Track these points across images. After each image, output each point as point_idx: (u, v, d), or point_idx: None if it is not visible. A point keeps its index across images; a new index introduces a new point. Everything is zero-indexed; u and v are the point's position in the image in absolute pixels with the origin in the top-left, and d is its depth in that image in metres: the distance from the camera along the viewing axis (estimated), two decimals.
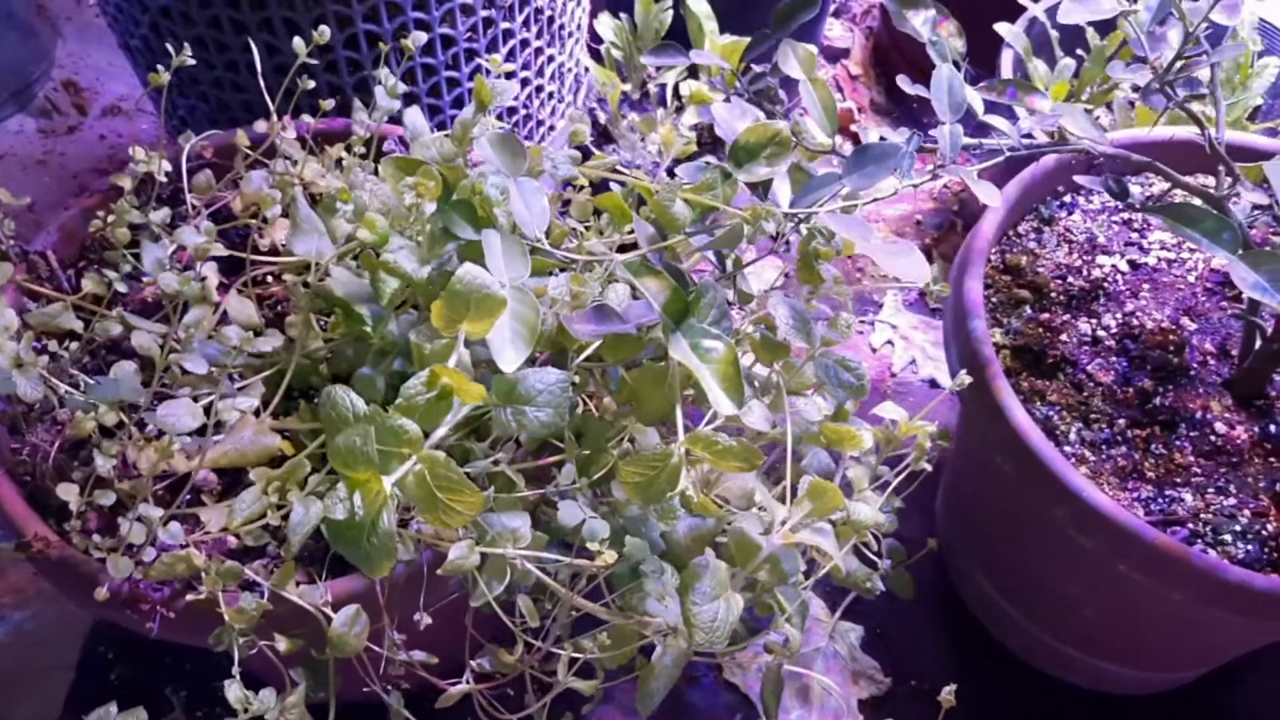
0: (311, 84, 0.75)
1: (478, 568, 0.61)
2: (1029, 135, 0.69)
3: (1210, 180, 0.91)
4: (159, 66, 0.76)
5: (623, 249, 0.67)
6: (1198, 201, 0.67)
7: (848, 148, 0.73)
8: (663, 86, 1.20)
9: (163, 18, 0.86)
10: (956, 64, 0.75)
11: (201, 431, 0.64)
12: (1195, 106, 0.94)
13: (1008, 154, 0.66)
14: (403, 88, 0.77)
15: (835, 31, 1.44)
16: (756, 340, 0.64)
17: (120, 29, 0.93)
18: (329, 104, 0.81)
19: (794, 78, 0.73)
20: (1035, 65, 1.09)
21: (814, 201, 0.64)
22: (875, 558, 0.78)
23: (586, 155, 1.17)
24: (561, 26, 1.02)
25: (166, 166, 0.74)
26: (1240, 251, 0.63)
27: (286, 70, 0.75)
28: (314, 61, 0.82)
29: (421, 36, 0.76)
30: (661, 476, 0.56)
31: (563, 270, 0.62)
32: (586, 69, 1.18)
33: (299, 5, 0.83)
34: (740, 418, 0.62)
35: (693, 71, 1.20)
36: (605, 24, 1.17)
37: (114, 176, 0.77)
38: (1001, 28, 1.07)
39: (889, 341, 1.19)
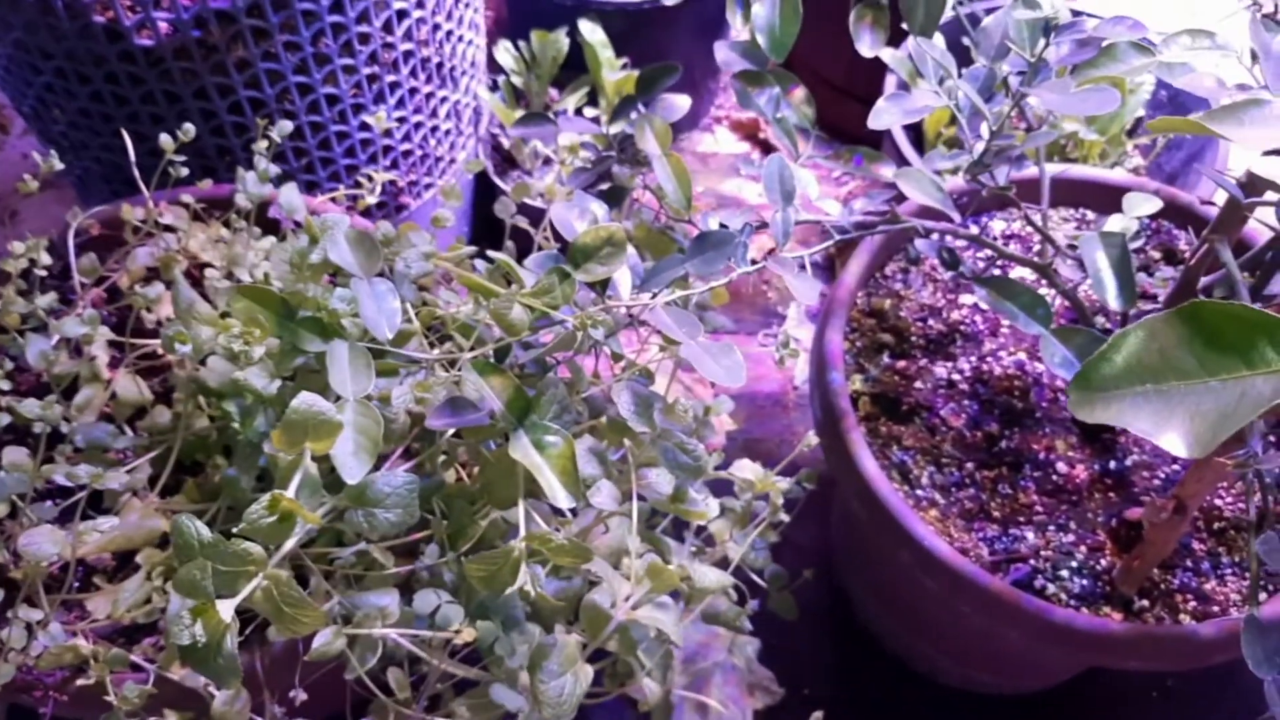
0: (185, 169, 0.78)
1: (350, 645, 0.65)
2: (869, 211, 0.72)
3: (1076, 211, 0.95)
4: (50, 152, 0.79)
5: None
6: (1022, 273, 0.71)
7: (756, 154, 0.75)
8: (564, 110, 1.22)
9: (48, 93, 0.88)
10: (805, 131, 0.78)
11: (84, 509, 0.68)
12: (1075, 126, 0.98)
13: (836, 237, 0.70)
14: (275, 170, 0.79)
15: None
16: (603, 423, 0.69)
17: (11, 95, 0.95)
18: (207, 183, 0.84)
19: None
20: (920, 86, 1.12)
21: (657, 286, 0.68)
22: (759, 580, 0.84)
23: (488, 181, 1.20)
24: (453, 69, 1.05)
25: (46, 259, 0.77)
26: (1051, 328, 0.67)
27: (174, 137, 0.77)
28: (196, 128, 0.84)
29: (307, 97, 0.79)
30: (504, 570, 0.60)
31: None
32: None
33: (178, 78, 0.85)
34: (589, 498, 0.66)
35: (592, 95, 1.23)
36: (504, 53, 1.19)
37: (1, 262, 0.80)
38: (885, 54, 1.09)
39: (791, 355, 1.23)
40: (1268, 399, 0.31)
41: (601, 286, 0.66)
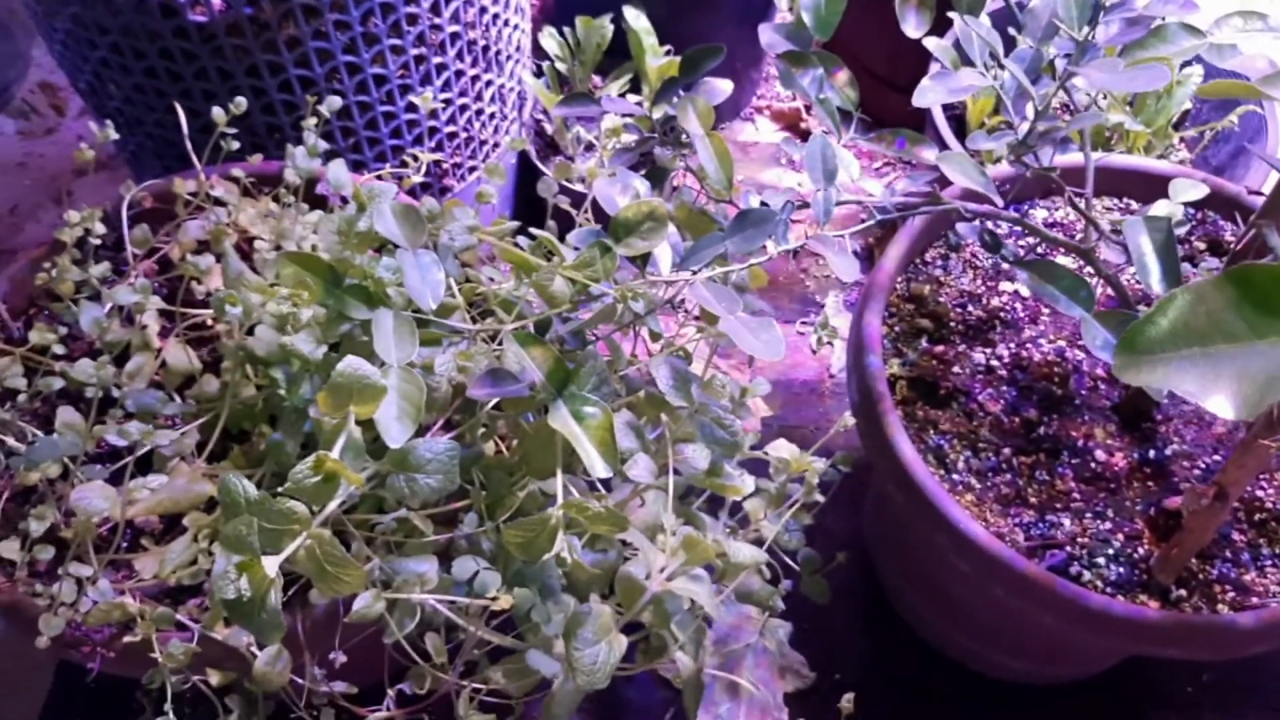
0: (236, 145, 0.79)
1: (388, 609, 0.66)
2: (911, 192, 0.72)
3: (1120, 200, 0.95)
4: (105, 122, 0.81)
5: None
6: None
7: (795, 148, 0.76)
8: (607, 97, 1.23)
9: (104, 68, 0.90)
10: (848, 114, 0.78)
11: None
12: (1120, 118, 0.97)
13: (878, 217, 0.70)
14: (323, 145, 0.81)
15: None
16: (641, 398, 0.69)
17: (68, 71, 0.98)
18: (257, 159, 0.86)
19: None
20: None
21: (697, 264, 0.69)
22: (791, 563, 0.84)
23: (531, 166, 1.21)
24: (499, 53, 1.06)
25: (100, 230, 0.79)
26: (1093, 310, 0.67)
27: (225, 113, 0.79)
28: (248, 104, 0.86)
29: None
30: (541, 538, 0.61)
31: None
32: None
33: (230, 55, 0.87)
34: (625, 471, 0.67)
35: (635, 82, 1.23)
36: (549, 39, 1.20)
37: (58, 231, 0.82)
38: (930, 40, 1.09)
39: (829, 342, 1.24)
40: None
41: (642, 261, 0.67)
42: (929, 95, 0.64)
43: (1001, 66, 0.67)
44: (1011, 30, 0.70)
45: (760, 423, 1.21)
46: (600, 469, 0.61)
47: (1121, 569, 0.76)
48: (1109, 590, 0.75)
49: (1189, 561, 0.75)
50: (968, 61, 0.67)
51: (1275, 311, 0.32)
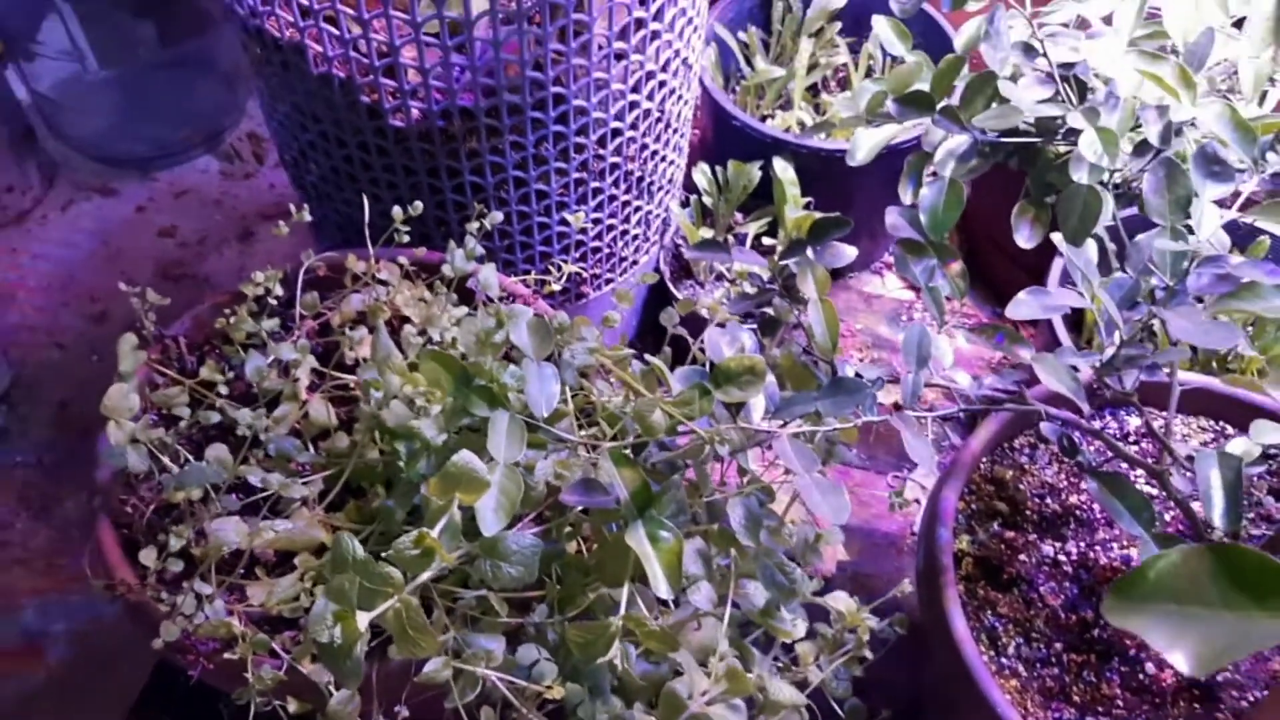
0: (406, 235, 0.90)
1: (454, 679, 0.73)
2: (997, 388, 0.77)
3: (1216, 423, 0.97)
4: (301, 205, 0.93)
5: None
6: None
7: (919, 304, 0.82)
8: (745, 235, 1.32)
9: (310, 149, 1.04)
10: (950, 295, 0.84)
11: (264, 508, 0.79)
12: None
13: (961, 408, 0.75)
14: (480, 249, 0.91)
15: None
16: (715, 530, 0.75)
17: (278, 143, 1.11)
18: (421, 250, 0.97)
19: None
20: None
21: (788, 417, 0.75)
22: (839, 710, 0.88)
23: (664, 287, 1.30)
24: (651, 183, 1.15)
25: (279, 290, 0.90)
26: (1152, 531, 0.70)
27: (403, 203, 0.90)
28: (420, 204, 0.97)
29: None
30: (600, 641, 0.68)
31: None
32: None
33: (418, 156, 0.99)
34: (688, 595, 0.73)
35: (773, 225, 1.32)
36: (700, 175, 1.30)
37: (243, 284, 0.94)
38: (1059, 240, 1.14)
39: (916, 500, 1.27)
40: (1270, 639, 0.35)
41: (737, 407, 0.74)
42: (1022, 309, 0.70)
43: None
44: (1114, 257, 0.75)
45: (836, 566, 1.25)
46: (664, 590, 0.68)
47: None
48: None
49: None
50: (1069, 280, 0.72)
51: (1245, 589, 0.36)
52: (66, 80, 1.59)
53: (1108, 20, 0.81)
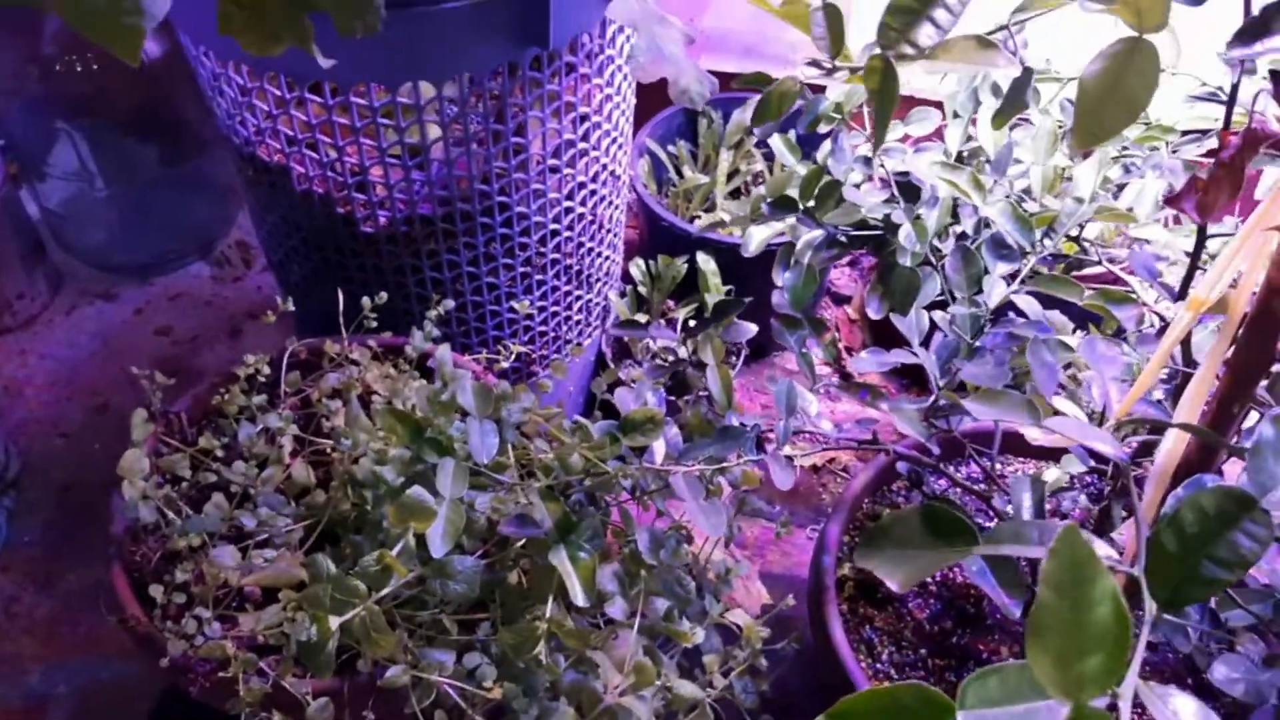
0: (375, 323, 1.08)
1: (412, 686, 0.88)
2: (851, 435, 0.95)
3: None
4: (270, 311, 1.11)
5: None
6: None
7: (835, 377, 0.99)
8: (675, 319, 1.50)
9: (294, 252, 1.22)
10: (851, 348, 1.02)
11: (254, 548, 0.95)
12: None
13: (822, 447, 0.93)
14: (438, 332, 1.09)
15: (843, 280, 1.73)
16: (628, 554, 0.92)
17: (265, 248, 1.30)
18: (388, 334, 1.14)
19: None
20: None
21: (691, 461, 0.92)
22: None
23: (604, 364, 1.47)
24: (589, 275, 1.34)
25: (267, 371, 1.08)
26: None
27: (372, 296, 1.08)
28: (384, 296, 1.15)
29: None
30: (528, 642, 0.83)
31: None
32: None
33: (385, 256, 1.17)
34: (605, 608, 0.89)
35: (700, 309, 1.50)
36: (635, 268, 1.49)
37: (236, 366, 1.11)
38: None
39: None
40: (947, 561, 0.52)
41: (641, 451, 0.91)
42: (864, 364, 0.88)
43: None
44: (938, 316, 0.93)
45: (760, 608, 1.40)
46: (580, 598, 0.84)
47: None
48: None
49: None
50: (904, 340, 0.90)
51: (941, 534, 0.53)
52: (74, 197, 1.76)
53: (939, 135, 1.01)
